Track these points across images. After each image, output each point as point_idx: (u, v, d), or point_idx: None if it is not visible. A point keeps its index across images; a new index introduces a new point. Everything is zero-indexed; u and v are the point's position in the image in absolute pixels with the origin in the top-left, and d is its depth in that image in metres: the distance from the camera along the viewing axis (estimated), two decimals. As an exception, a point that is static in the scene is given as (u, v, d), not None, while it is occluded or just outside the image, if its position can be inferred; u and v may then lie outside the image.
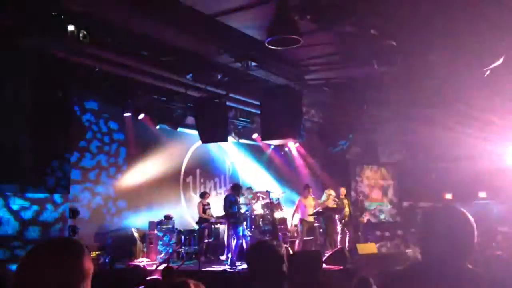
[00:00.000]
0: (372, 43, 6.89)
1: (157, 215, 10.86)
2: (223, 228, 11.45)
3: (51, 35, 5.95)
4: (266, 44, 6.08)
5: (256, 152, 14.73)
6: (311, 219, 10.98)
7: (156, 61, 8.32)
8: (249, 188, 12.27)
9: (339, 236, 11.25)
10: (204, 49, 7.90)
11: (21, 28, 5.77)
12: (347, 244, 10.69)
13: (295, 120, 9.09)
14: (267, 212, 11.17)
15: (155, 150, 11.56)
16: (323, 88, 10.09)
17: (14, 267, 1.53)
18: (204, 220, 10.98)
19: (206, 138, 10.33)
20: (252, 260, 2.53)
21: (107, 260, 9.13)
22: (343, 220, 11.27)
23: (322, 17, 6.15)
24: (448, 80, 9.02)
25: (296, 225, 11.37)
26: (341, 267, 8.58)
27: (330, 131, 10.65)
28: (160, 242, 10.31)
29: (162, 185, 11.73)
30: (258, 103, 9.84)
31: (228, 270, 8.97)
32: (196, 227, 11.29)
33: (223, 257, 10.14)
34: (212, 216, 11.22)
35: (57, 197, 8.43)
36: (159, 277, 6.96)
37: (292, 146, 14.88)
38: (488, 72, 7.40)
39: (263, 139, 9.80)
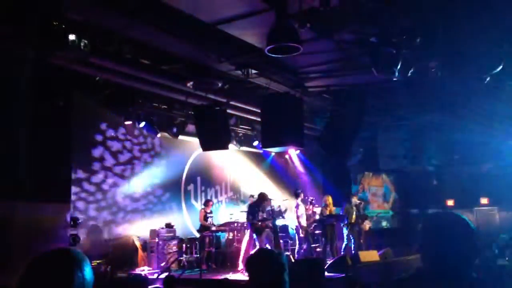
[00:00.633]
0: (372, 51, 6.91)
1: (158, 223, 10.83)
2: (224, 236, 11.43)
3: (52, 44, 5.97)
4: (266, 52, 6.10)
5: (257, 159, 14.72)
6: (304, 224, 11.02)
7: (156, 70, 8.35)
8: (252, 196, 12.25)
9: (344, 243, 11.21)
10: (205, 57, 7.93)
11: (22, 37, 5.79)
12: (353, 251, 10.64)
13: (296, 127, 9.08)
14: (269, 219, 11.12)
15: (156, 158, 11.55)
16: (323, 95, 10.11)
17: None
18: (205, 228, 10.95)
19: (207, 146, 10.32)
20: (253, 269, 2.51)
21: (108, 269, 9.10)
22: (348, 227, 11.24)
23: (321, 25, 6.19)
24: (449, 86, 9.03)
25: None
26: (343, 275, 8.53)
27: (331, 139, 10.64)
28: (161, 251, 10.27)
29: (163, 193, 11.72)
30: (258, 110, 9.85)
31: (229, 278, 8.93)
32: (197, 235, 11.26)
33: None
34: (213, 224, 11.19)
35: (57, 205, 8.42)
36: (161, 286, 6.93)
37: (293, 153, 14.87)
38: (488, 78, 7.42)
39: (263, 146, 9.78)
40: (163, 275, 8.37)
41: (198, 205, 12.62)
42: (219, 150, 11.46)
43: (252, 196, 12.45)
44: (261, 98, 9.49)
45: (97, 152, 10.34)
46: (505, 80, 8.21)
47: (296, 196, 11.41)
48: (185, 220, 12.34)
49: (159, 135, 11.09)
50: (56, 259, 1.48)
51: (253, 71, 8.52)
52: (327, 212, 11.15)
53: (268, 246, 9.73)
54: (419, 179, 14.28)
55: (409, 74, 7.05)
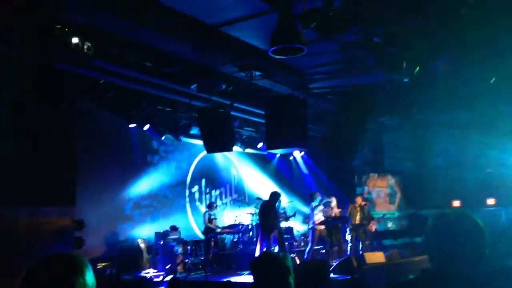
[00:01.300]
0: (377, 51, 6.88)
1: (163, 225, 10.83)
2: (229, 238, 11.41)
3: (55, 48, 5.98)
4: (270, 54, 6.08)
5: (261, 161, 14.70)
6: (321, 227, 10.87)
7: (160, 72, 8.36)
8: (258, 199, 12.23)
9: (349, 245, 11.15)
10: (208, 59, 7.93)
11: (25, 40, 5.80)
12: (360, 252, 10.57)
13: (300, 129, 9.06)
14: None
15: (160, 160, 11.56)
16: (327, 96, 10.09)
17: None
18: (210, 230, 10.94)
19: (211, 148, 10.33)
20: (258, 271, 2.49)
21: (113, 272, 9.09)
22: (353, 229, 11.18)
23: (325, 26, 6.17)
24: (455, 87, 8.99)
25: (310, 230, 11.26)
26: (349, 277, 8.49)
27: (335, 140, 10.63)
28: (166, 253, 10.26)
29: (168, 195, 11.72)
30: (262, 112, 9.84)
31: (232, 281, 8.91)
32: (202, 237, 11.25)
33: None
34: (217, 226, 11.17)
35: (62, 208, 8.43)
36: (166, 289, 6.92)
37: (298, 155, 14.84)
38: (494, 79, 7.38)
39: (268, 148, 9.76)
40: (168, 278, 8.36)
41: (203, 207, 12.61)
42: (223, 152, 11.48)
43: (258, 198, 12.44)
44: (265, 100, 9.49)
45: (102, 154, 10.32)
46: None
47: (311, 197, 11.30)
48: (190, 223, 12.33)
49: (163, 137, 11.09)
50: (57, 265, 1.47)
51: (257, 73, 8.51)
52: (332, 214, 11.09)
53: (276, 247, 9.72)
54: (425, 180, 14.20)
55: (414, 74, 7.02)
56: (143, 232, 10.70)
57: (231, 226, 11.70)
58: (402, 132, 13.19)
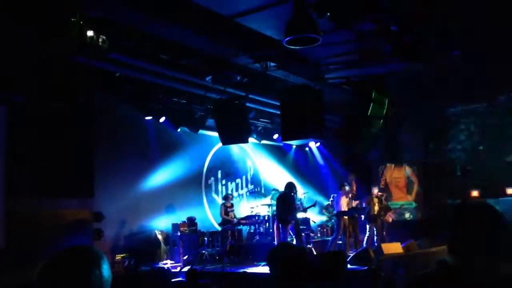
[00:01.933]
0: (393, 40, 6.78)
1: (180, 217, 10.92)
2: (246, 229, 11.45)
3: (71, 41, 6.02)
4: (285, 44, 6.03)
5: (277, 152, 14.68)
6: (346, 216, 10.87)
7: (175, 64, 8.37)
8: (275, 190, 12.23)
9: (367, 235, 11.11)
10: (223, 51, 7.91)
11: (40, 34, 5.85)
12: (376, 243, 10.53)
13: (316, 120, 9.00)
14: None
15: (176, 152, 11.61)
16: (343, 86, 9.99)
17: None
18: (226, 222, 11.00)
19: (227, 139, 10.33)
20: (275, 262, 2.49)
21: (132, 263, 9.21)
22: (371, 219, 11.13)
23: (340, 15, 6.09)
24: (471, 75, 8.84)
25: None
26: (366, 268, 8.46)
27: (351, 131, 10.53)
28: (184, 244, 10.35)
29: (184, 187, 11.78)
30: (278, 103, 9.80)
31: (250, 271, 8.95)
32: (219, 228, 11.31)
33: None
34: (234, 217, 11.22)
35: (81, 201, 8.55)
36: (184, 279, 6.98)
37: (313, 146, 14.79)
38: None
39: (283, 139, 9.73)
40: (185, 269, 8.43)
41: (219, 198, 12.67)
42: (239, 143, 11.49)
43: (274, 189, 12.44)
44: (280, 91, 9.44)
45: (119, 147, 10.42)
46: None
47: (341, 186, 11.28)
48: (206, 214, 12.40)
49: (179, 129, 11.13)
50: (72, 257, 1.48)
51: (272, 64, 8.46)
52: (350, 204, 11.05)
53: (294, 238, 9.76)
54: (443, 170, 14.03)
55: (432, 63, 6.91)
56: (160, 224, 10.80)
57: (247, 218, 11.74)
58: (419, 121, 13.02)
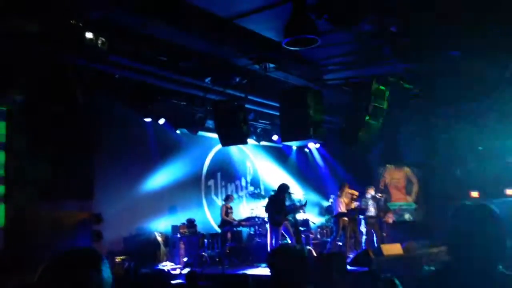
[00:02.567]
0: (392, 41, 6.78)
1: (179, 219, 10.90)
2: (246, 231, 11.44)
3: (70, 43, 6.03)
4: (284, 45, 6.04)
5: (277, 154, 14.68)
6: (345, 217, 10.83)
7: (175, 66, 8.37)
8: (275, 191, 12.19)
9: (364, 237, 11.10)
10: (222, 52, 7.91)
11: (40, 36, 5.85)
12: (375, 245, 10.52)
13: (315, 121, 8.99)
14: (289, 214, 11.09)
15: (176, 154, 11.61)
16: (342, 88, 10.00)
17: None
18: (226, 223, 10.99)
19: (226, 141, 10.32)
20: (276, 264, 2.49)
21: (131, 265, 9.20)
22: (368, 221, 11.12)
23: (339, 16, 6.09)
24: (472, 77, 8.83)
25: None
26: (366, 269, 8.46)
27: (351, 132, 10.50)
28: (183, 246, 10.33)
29: (184, 189, 11.77)
30: (277, 104, 9.79)
31: (250, 273, 8.94)
32: (218, 230, 11.30)
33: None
34: (234, 219, 11.22)
35: (81, 202, 8.54)
36: (184, 281, 6.97)
37: (313, 147, 14.79)
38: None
39: (283, 140, 9.72)
40: (185, 270, 8.43)
41: (219, 200, 12.66)
42: (238, 145, 11.48)
43: (274, 191, 12.42)
44: (279, 92, 9.44)
45: (118, 149, 10.41)
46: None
47: (341, 187, 11.26)
48: (206, 216, 12.39)
49: (178, 131, 11.13)
50: (72, 259, 1.48)
51: (271, 65, 8.46)
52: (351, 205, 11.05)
53: (288, 240, 9.72)
54: (442, 170, 14.03)
55: (431, 64, 6.91)
56: (160, 226, 10.78)
57: (247, 219, 11.73)
58: (419, 122, 13.02)
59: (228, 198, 11.46)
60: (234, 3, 6.36)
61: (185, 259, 10.15)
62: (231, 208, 11.32)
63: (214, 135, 10.81)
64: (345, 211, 10.79)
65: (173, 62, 8.20)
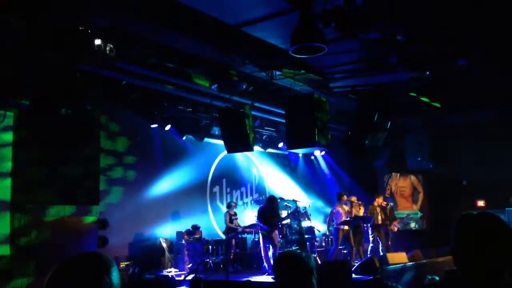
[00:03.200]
0: (399, 49, 6.79)
1: (184, 225, 10.90)
2: (250, 238, 11.42)
3: (78, 49, 6.08)
4: (291, 53, 6.06)
5: (282, 161, 14.67)
6: (346, 227, 10.74)
7: (181, 73, 8.41)
8: (281, 199, 12.19)
9: (370, 245, 11.04)
10: (229, 60, 7.94)
11: (49, 42, 5.91)
12: (380, 253, 10.45)
13: (321, 128, 9.00)
14: (294, 221, 11.07)
15: (181, 160, 11.64)
16: (348, 95, 10.00)
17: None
18: (231, 230, 10.97)
19: (232, 148, 10.33)
20: (280, 272, 2.48)
21: (136, 271, 9.20)
22: (374, 229, 11.05)
23: (346, 25, 6.11)
24: (480, 85, 8.82)
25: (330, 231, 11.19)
26: (371, 277, 8.41)
27: (357, 140, 10.49)
28: (188, 252, 10.32)
29: (189, 195, 11.78)
30: (283, 112, 9.81)
31: (254, 280, 8.92)
32: (223, 237, 11.28)
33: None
34: (239, 226, 11.20)
35: (86, 208, 8.56)
36: (187, 288, 6.96)
37: (319, 154, 14.77)
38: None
39: (288, 148, 9.73)
40: (189, 277, 8.41)
41: (224, 207, 12.65)
42: (244, 152, 11.49)
43: (281, 198, 12.39)
44: (285, 100, 9.47)
45: (124, 154, 10.45)
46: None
47: (339, 197, 11.20)
48: (211, 222, 12.39)
49: (184, 137, 11.16)
50: (84, 264, 1.49)
51: (277, 73, 8.49)
52: (354, 214, 11.01)
53: (271, 249, 9.70)
54: (448, 179, 13.97)
55: (437, 72, 6.91)
56: (165, 232, 10.78)
57: (252, 226, 11.70)
58: (424, 131, 12.99)
59: (230, 206, 11.45)
60: (242, 11, 6.39)
61: (189, 266, 10.13)
62: (235, 214, 11.31)
63: (220, 142, 10.83)
64: (345, 219, 10.71)
65: (180, 69, 8.25)
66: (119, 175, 10.25)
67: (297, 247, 10.50)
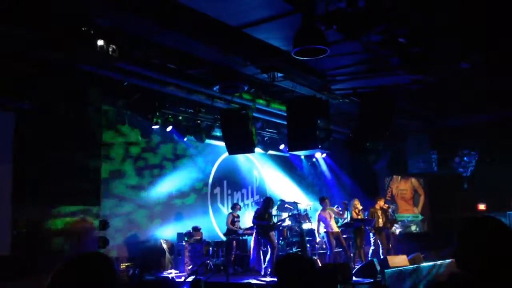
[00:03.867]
0: (401, 51, 6.78)
1: (185, 226, 10.89)
2: (250, 240, 11.41)
3: (81, 50, 6.09)
4: (292, 55, 6.06)
5: (283, 163, 14.66)
6: (335, 229, 10.68)
7: (183, 74, 8.41)
8: (282, 201, 12.17)
9: (371, 248, 11.01)
10: (231, 61, 7.94)
11: (51, 42, 5.91)
12: (381, 256, 10.42)
13: (322, 130, 9.00)
14: (295, 223, 11.06)
15: (182, 161, 11.64)
16: (350, 97, 9.99)
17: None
18: (232, 232, 10.96)
19: (233, 149, 10.34)
20: (283, 274, 2.47)
21: (136, 272, 9.19)
22: (376, 232, 11.03)
23: (348, 27, 6.11)
24: (481, 88, 8.81)
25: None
26: (371, 280, 8.39)
27: (358, 142, 10.48)
28: (188, 254, 10.32)
29: (190, 196, 11.79)
30: (284, 114, 9.81)
31: (254, 282, 8.91)
32: (224, 238, 11.28)
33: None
34: (240, 228, 11.20)
35: (87, 208, 8.55)
36: (188, 289, 6.95)
37: (320, 156, 14.77)
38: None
39: (290, 150, 9.72)
40: (190, 278, 8.40)
41: (225, 208, 12.64)
42: (245, 153, 11.49)
43: (281, 200, 12.38)
44: (287, 101, 9.46)
45: (125, 155, 10.45)
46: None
47: (322, 202, 11.12)
48: (212, 224, 12.38)
49: (185, 138, 11.16)
50: (86, 265, 1.49)
51: (279, 74, 8.49)
52: (355, 216, 10.98)
53: (269, 250, 9.72)
54: (449, 183, 13.96)
55: (440, 75, 6.90)
56: (166, 233, 10.78)
57: (252, 228, 11.69)
58: (426, 134, 12.98)
59: (235, 207, 11.44)
60: (243, 12, 6.39)
61: (190, 267, 10.12)
62: (238, 216, 11.30)
63: (221, 143, 10.83)
64: (331, 224, 10.63)
65: (181, 70, 8.25)
66: (119, 176, 10.25)
67: (297, 249, 10.50)
